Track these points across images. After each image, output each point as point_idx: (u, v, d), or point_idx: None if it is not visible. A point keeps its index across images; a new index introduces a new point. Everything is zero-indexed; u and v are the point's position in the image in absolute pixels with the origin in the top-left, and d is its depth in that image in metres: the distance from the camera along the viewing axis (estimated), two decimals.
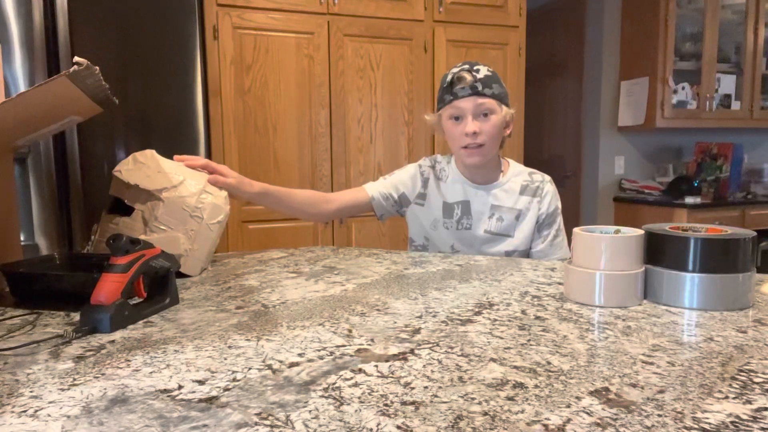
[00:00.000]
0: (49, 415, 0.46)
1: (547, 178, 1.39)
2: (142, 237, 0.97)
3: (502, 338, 0.65)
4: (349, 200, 1.38)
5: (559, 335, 0.65)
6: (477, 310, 0.77)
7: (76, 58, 0.74)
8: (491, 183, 1.35)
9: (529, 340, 0.64)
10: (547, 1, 3.91)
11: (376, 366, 0.57)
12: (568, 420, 0.44)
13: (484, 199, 1.34)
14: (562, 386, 0.51)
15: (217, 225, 1.06)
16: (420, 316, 0.74)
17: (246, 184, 1.16)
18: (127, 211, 1.01)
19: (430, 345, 0.63)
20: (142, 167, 1.01)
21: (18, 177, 1.89)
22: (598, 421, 0.44)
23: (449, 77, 1.27)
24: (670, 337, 0.64)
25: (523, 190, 1.35)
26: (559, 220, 1.37)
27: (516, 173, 1.37)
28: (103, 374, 0.55)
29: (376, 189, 1.39)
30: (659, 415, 0.45)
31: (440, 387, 0.51)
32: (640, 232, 0.80)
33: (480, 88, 1.25)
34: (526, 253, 1.35)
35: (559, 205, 1.38)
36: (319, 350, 0.61)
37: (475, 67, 1.27)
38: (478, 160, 1.29)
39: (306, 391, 0.50)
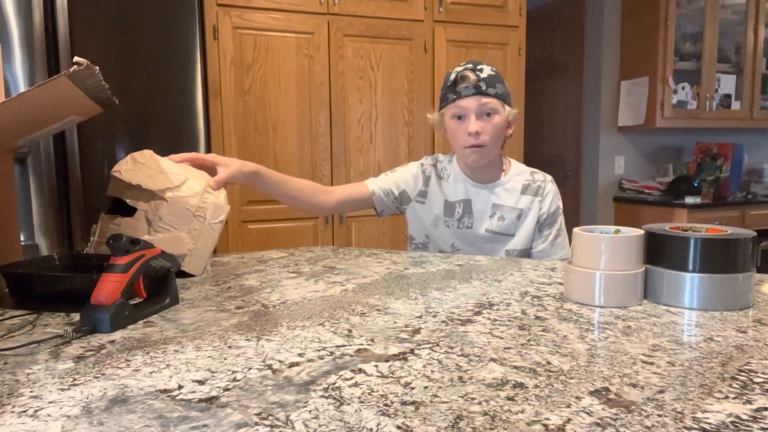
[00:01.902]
0: (49, 415, 0.46)
1: (549, 177, 1.38)
2: (146, 237, 0.97)
3: (502, 338, 0.65)
4: (349, 194, 1.37)
5: (559, 335, 0.65)
6: (477, 310, 0.77)
7: (76, 58, 0.74)
8: (493, 182, 1.35)
9: (529, 340, 0.64)
10: (547, 1, 3.91)
11: (376, 366, 0.57)
12: (568, 420, 0.44)
13: (486, 199, 1.34)
14: (562, 386, 0.51)
15: (219, 224, 1.06)
16: (420, 316, 0.74)
17: (239, 168, 1.13)
18: (128, 211, 1.01)
19: (430, 345, 0.63)
20: (143, 167, 1.01)
21: (18, 177, 1.89)
22: (598, 421, 0.44)
23: (452, 76, 1.27)
24: (670, 337, 0.64)
25: (524, 190, 1.35)
26: (560, 220, 1.37)
27: (518, 172, 1.37)
28: (103, 374, 0.55)
29: (377, 184, 1.38)
30: (659, 415, 0.45)
31: (440, 387, 0.51)
32: (640, 232, 0.80)
33: (484, 87, 1.25)
34: (527, 253, 1.35)
35: (561, 205, 1.38)
36: (319, 350, 0.61)
37: (478, 67, 1.27)
38: (480, 159, 1.29)
39: (306, 391, 0.50)
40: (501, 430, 0.43)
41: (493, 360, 0.58)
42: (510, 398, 0.48)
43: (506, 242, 1.34)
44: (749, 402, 0.47)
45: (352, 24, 2.47)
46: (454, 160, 1.40)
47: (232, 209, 2.40)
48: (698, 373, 0.54)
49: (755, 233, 0.77)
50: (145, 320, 0.74)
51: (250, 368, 0.56)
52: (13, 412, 0.47)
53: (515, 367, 0.56)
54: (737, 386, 0.50)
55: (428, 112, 1.42)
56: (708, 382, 0.51)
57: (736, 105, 3.63)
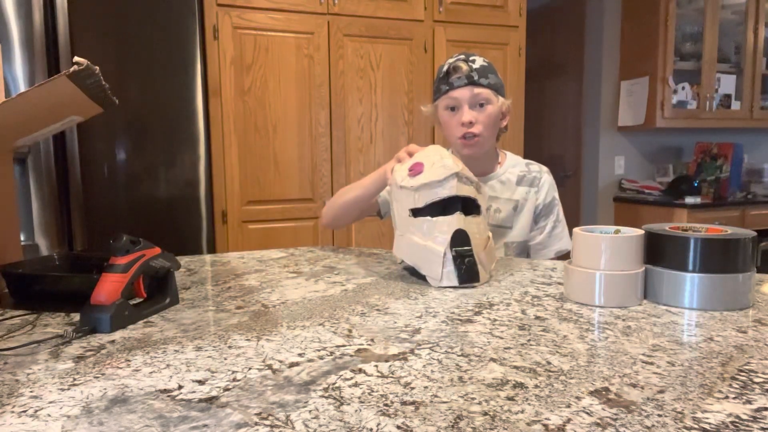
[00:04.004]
0: (49, 415, 0.46)
1: (545, 168, 1.38)
2: (485, 236, 0.97)
3: (502, 338, 0.65)
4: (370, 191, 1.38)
5: (559, 335, 0.65)
6: (477, 310, 0.77)
7: (76, 58, 0.74)
8: (488, 174, 1.35)
9: (529, 340, 0.64)
10: (547, 1, 3.91)
11: (376, 366, 0.57)
12: (568, 420, 0.44)
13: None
14: (562, 386, 0.51)
15: None
16: (420, 316, 0.74)
17: None
18: (448, 210, 0.96)
19: (430, 345, 0.63)
20: (460, 162, 0.98)
21: (18, 177, 1.89)
22: (598, 421, 0.44)
23: (445, 67, 1.27)
24: (670, 337, 0.64)
25: (520, 181, 1.35)
26: (557, 210, 1.36)
27: (513, 164, 1.37)
28: (103, 374, 0.55)
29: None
30: (659, 415, 0.45)
31: (440, 387, 0.51)
32: (640, 232, 0.80)
33: (476, 78, 1.25)
34: (526, 245, 1.35)
35: (557, 196, 1.37)
36: (319, 350, 0.61)
37: (471, 57, 1.27)
38: (474, 150, 1.29)
39: (306, 391, 0.50)
40: (501, 430, 0.43)
41: (493, 360, 0.58)
42: (510, 398, 0.48)
43: (505, 235, 1.33)
44: (749, 402, 0.47)
45: (352, 24, 2.47)
46: (450, 152, 1.40)
47: (231, 209, 2.40)
48: (698, 373, 0.54)
49: (755, 233, 0.77)
50: (145, 320, 0.74)
51: (250, 368, 0.56)
52: (13, 412, 0.47)
53: (515, 367, 0.56)
54: (737, 386, 0.50)
55: (422, 105, 1.41)
56: (708, 382, 0.51)
57: (736, 105, 3.63)
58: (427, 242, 0.93)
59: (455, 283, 0.91)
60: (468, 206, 0.97)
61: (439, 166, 0.95)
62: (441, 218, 0.93)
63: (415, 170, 0.97)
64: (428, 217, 0.94)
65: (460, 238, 0.91)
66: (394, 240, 1.02)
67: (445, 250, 0.91)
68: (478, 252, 0.92)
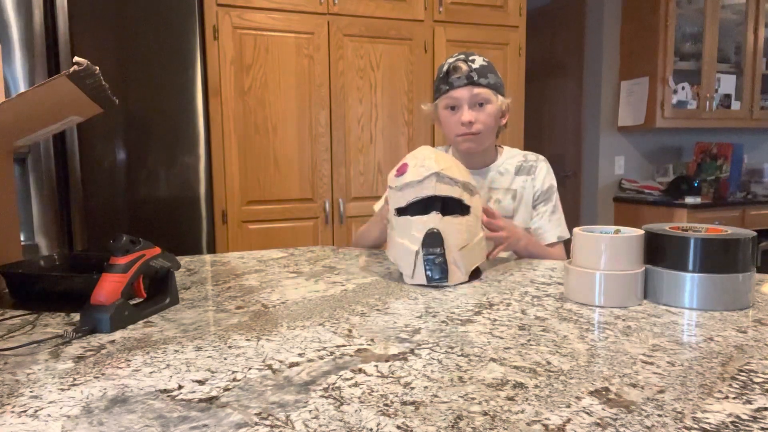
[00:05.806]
0: (49, 415, 0.46)
1: (541, 157, 1.40)
2: (481, 236, 0.97)
3: (502, 338, 0.65)
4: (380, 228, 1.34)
5: (559, 335, 0.65)
6: (477, 310, 0.77)
7: (76, 58, 0.74)
8: (486, 167, 1.37)
9: (529, 340, 0.64)
10: (547, 1, 3.91)
11: (376, 366, 0.57)
12: (568, 420, 0.44)
13: (480, 184, 1.35)
14: (562, 386, 0.51)
15: None
16: (420, 316, 0.74)
17: None
18: (426, 210, 0.95)
19: (430, 345, 0.63)
20: (452, 165, 0.98)
21: (18, 177, 1.89)
22: (598, 421, 0.44)
23: (445, 67, 1.29)
24: (670, 337, 0.64)
25: (518, 171, 1.37)
26: (556, 197, 1.37)
27: (511, 155, 1.39)
28: (103, 374, 0.55)
29: (379, 203, 1.40)
30: (659, 415, 0.45)
31: (440, 387, 0.51)
32: (640, 232, 0.80)
33: (475, 77, 1.26)
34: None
35: (555, 184, 1.38)
36: (319, 350, 0.61)
37: (470, 57, 1.28)
38: (473, 146, 1.31)
39: (306, 391, 0.50)
40: (501, 430, 0.43)
41: (493, 360, 0.58)
42: (510, 398, 0.48)
43: None
44: (749, 402, 0.47)
45: (352, 24, 2.47)
46: (450, 151, 1.41)
47: (231, 209, 2.40)
48: (698, 373, 0.54)
49: (755, 233, 0.77)
50: (145, 320, 0.74)
51: (250, 368, 0.56)
52: (13, 412, 0.47)
53: (515, 367, 0.56)
54: (737, 386, 0.50)
55: (423, 104, 1.42)
56: (708, 382, 0.51)
57: (736, 105, 3.62)
58: (404, 240, 0.95)
59: (424, 281, 0.92)
60: (451, 206, 0.97)
61: (419, 167, 0.96)
62: (417, 217, 0.94)
63: (401, 171, 0.99)
64: (407, 216, 0.96)
65: (432, 238, 0.92)
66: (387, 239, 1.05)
67: (417, 249, 0.92)
68: (452, 252, 0.93)
